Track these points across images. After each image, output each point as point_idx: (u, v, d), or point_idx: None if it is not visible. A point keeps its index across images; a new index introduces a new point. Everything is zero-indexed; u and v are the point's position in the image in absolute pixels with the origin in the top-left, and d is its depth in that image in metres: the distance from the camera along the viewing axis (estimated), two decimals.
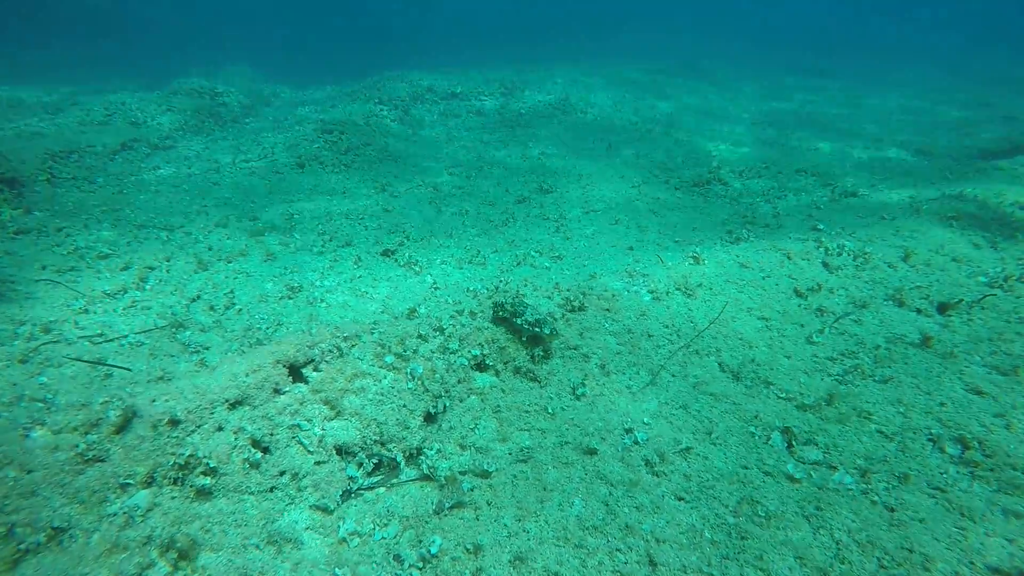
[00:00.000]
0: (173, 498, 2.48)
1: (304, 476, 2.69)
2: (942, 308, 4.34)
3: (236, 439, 2.63)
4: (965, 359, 3.75)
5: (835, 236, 5.38)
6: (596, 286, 4.29)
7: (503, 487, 2.72)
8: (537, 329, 3.50)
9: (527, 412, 3.20)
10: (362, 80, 14.23)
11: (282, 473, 2.67)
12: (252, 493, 2.56)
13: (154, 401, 2.69)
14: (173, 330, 4.20)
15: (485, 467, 2.80)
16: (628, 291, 4.33)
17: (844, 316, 4.31)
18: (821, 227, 5.75)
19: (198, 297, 4.74)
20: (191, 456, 2.53)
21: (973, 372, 3.61)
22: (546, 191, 7.54)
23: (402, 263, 5.37)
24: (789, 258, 5.02)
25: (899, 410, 3.33)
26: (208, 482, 2.51)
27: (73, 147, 8.22)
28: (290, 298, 4.75)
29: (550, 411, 3.22)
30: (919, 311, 4.34)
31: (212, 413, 2.67)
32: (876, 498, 2.69)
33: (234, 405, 2.75)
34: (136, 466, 2.50)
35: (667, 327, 4.08)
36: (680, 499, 2.68)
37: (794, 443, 3.08)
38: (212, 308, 4.58)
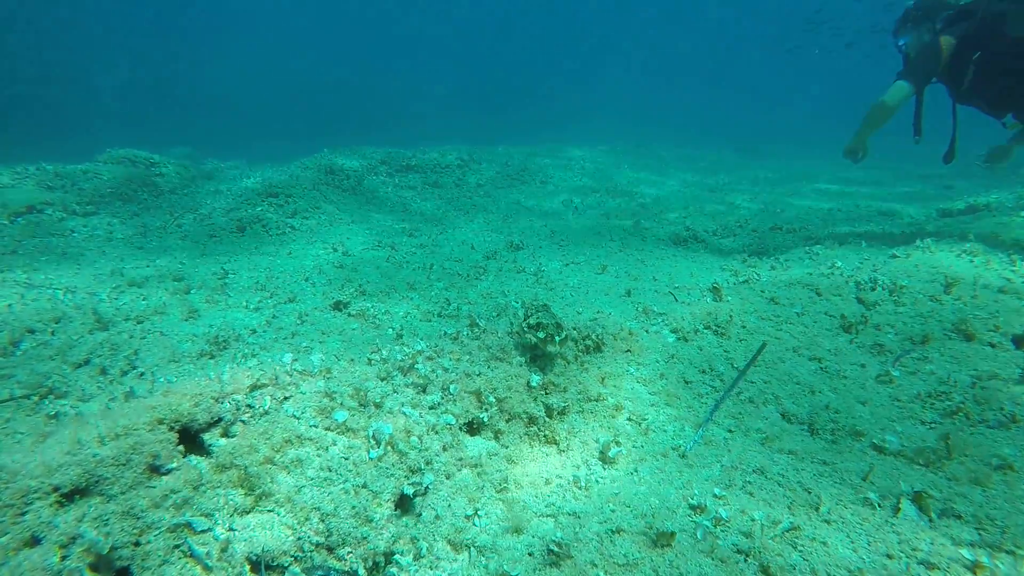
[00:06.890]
0: None
1: None
2: (1018, 341, 3.61)
3: (64, 559, 1.51)
4: None
5: (863, 270, 4.71)
6: (609, 324, 3.38)
7: None
8: (545, 345, 2.54)
9: (547, 486, 2.17)
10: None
11: None
12: None
13: None
14: (38, 400, 3.03)
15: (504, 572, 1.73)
16: (647, 331, 3.44)
17: (905, 354, 3.52)
18: (839, 264, 5.09)
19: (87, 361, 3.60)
20: None
21: None
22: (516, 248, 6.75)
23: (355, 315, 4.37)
24: (819, 293, 4.28)
25: None
26: None
27: None
28: (212, 356, 3.65)
29: (582, 485, 2.19)
30: (992, 345, 3.60)
31: (24, 512, 1.55)
32: None
33: (70, 495, 1.63)
34: None
35: (704, 372, 3.17)
36: None
37: (933, 515, 2.15)
38: (104, 372, 3.46)
